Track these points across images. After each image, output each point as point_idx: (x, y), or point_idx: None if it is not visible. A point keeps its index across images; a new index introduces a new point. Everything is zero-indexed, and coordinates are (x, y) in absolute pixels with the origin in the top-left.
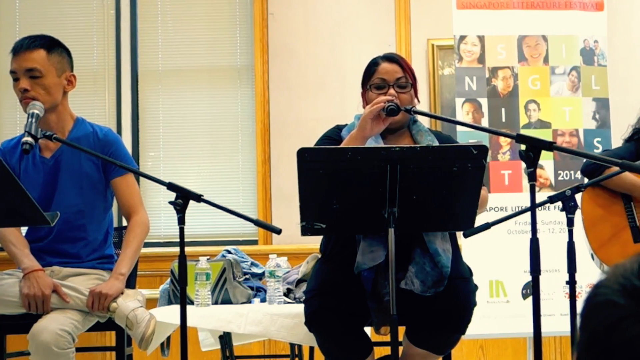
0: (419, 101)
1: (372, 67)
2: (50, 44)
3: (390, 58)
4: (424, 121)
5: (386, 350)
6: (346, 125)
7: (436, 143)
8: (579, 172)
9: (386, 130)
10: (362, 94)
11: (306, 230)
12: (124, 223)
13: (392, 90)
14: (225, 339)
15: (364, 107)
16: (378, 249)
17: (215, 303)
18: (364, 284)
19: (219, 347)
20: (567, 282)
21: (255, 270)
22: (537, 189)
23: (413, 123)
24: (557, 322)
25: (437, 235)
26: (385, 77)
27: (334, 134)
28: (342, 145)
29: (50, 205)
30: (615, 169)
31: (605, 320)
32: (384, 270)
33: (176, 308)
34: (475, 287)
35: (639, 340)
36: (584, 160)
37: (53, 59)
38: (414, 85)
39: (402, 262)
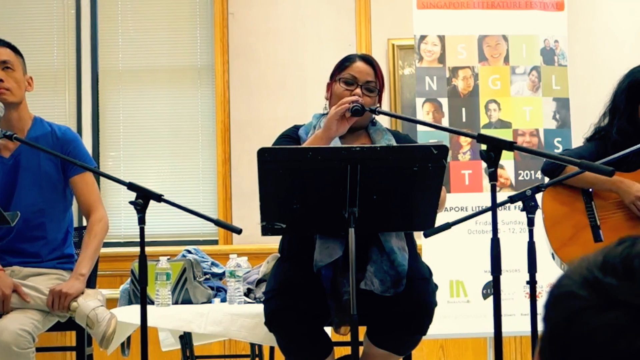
0: (380, 107)
1: (346, 62)
2: (13, 46)
3: (366, 59)
4: (383, 121)
5: (346, 350)
6: (304, 125)
7: (394, 142)
8: (539, 172)
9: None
10: (328, 85)
11: (266, 230)
12: (85, 223)
13: (358, 90)
14: (186, 338)
15: (326, 98)
16: (334, 246)
17: (176, 303)
18: (324, 282)
19: (179, 347)
20: (528, 282)
21: (215, 270)
22: (497, 188)
23: (372, 124)
24: (518, 322)
25: (392, 233)
26: (357, 75)
27: (292, 133)
28: (305, 145)
29: (9, 205)
30: (576, 168)
31: (565, 311)
32: (342, 269)
33: (136, 308)
34: (436, 287)
35: (598, 331)
36: (545, 159)
37: (18, 58)
38: (380, 92)
39: (360, 261)
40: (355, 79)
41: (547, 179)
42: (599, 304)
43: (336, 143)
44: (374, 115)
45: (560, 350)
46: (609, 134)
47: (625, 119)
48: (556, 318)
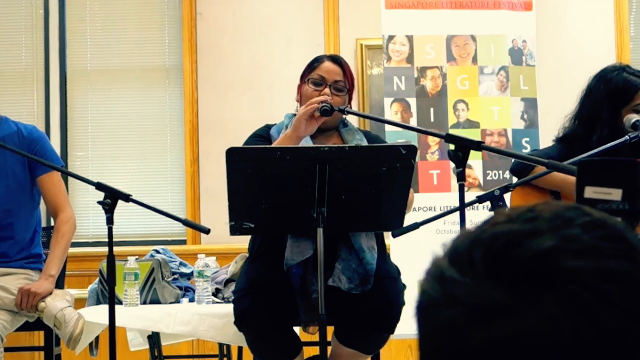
0: (350, 107)
1: (314, 63)
2: None
3: (335, 59)
4: (352, 121)
5: (315, 351)
6: (275, 124)
7: (365, 142)
8: (507, 172)
9: (316, 130)
10: (298, 87)
11: (235, 230)
12: (53, 223)
13: (327, 90)
14: (154, 338)
15: (297, 100)
16: (306, 245)
17: (144, 303)
18: (293, 281)
19: (147, 346)
20: None
21: (183, 270)
22: (465, 188)
23: (343, 125)
24: None
25: (361, 232)
26: (326, 75)
27: (264, 132)
28: (275, 145)
29: None
30: (544, 168)
31: (417, 306)
32: (312, 268)
33: (105, 308)
34: (404, 287)
35: (437, 330)
36: (514, 159)
37: None
38: (350, 91)
39: (329, 259)
40: (324, 79)
41: (515, 179)
42: (440, 301)
43: (308, 143)
44: (344, 116)
45: (419, 346)
46: (581, 140)
47: (607, 128)
48: (414, 315)
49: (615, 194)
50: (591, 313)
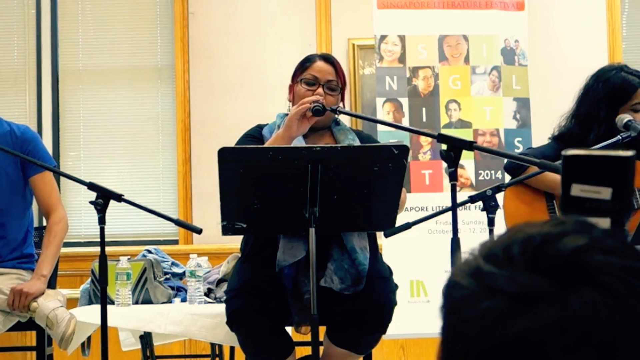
0: (343, 106)
1: (306, 63)
2: None
3: (327, 58)
4: (345, 121)
5: (307, 350)
6: (267, 124)
7: (357, 142)
8: (499, 172)
9: (308, 129)
10: (290, 87)
11: (227, 230)
12: (45, 223)
13: (320, 90)
14: (146, 338)
15: (289, 100)
16: (298, 246)
17: (136, 303)
18: (285, 281)
19: (139, 346)
20: None
21: (175, 270)
22: (457, 188)
23: (336, 124)
24: None
25: (353, 232)
26: (318, 75)
27: (256, 133)
28: (267, 145)
29: None
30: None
31: (451, 301)
32: (304, 268)
33: (97, 308)
34: (396, 287)
35: (477, 319)
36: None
37: None
38: (342, 90)
39: (322, 260)
40: (317, 79)
41: (508, 178)
42: (479, 293)
43: (300, 143)
44: (336, 115)
45: (449, 338)
46: (578, 138)
47: (604, 127)
48: (445, 308)
49: (605, 193)
50: (622, 300)
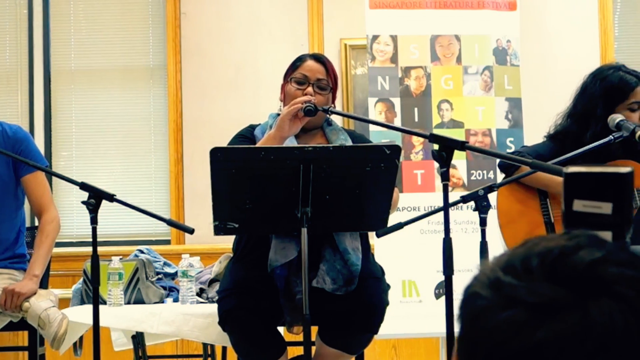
0: (335, 106)
1: (297, 62)
2: None
3: (317, 58)
4: (337, 121)
5: (299, 350)
6: (259, 124)
7: (349, 142)
8: (491, 172)
9: (300, 129)
10: (282, 86)
11: (219, 230)
12: (37, 223)
13: (310, 89)
14: (138, 338)
15: (281, 99)
16: (290, 246)
17: (128, 303)
18: (277, 282)
19: (131, 346)
20: None
21: (167, 270)
22: (450, 188)
23: (328, 124)
24: None
25: (346, 233)
26: (308, 74)
27: (248, 133)
28: (259, 145)
29: None
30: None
31: (471, 311)
32: (296, 269)
33: (89, 308)
34: (388, 287)
35: (498, 329)
36: None
37: None
38: (333, 90)
39: (314, 260)
40: (307, 78)
41: (500, 178)
42: (499, 303)
43: (292, 142)
44: (328, 115)
45: (468, 348)
46: (573, 135)
47: (601, 125)
48: (464, 317)
49: (606, 208)
50: (638, 310)
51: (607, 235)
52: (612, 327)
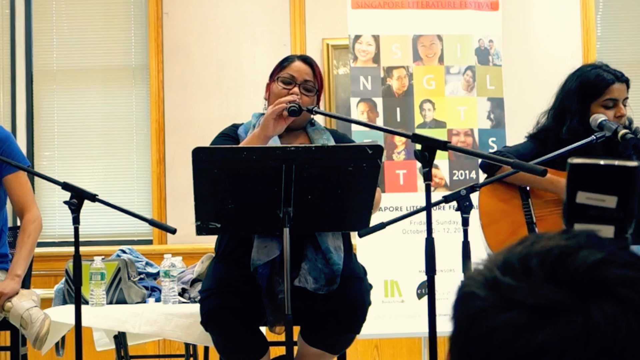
0: (319, 107)
1: (284, 62)
2: None
3: (305, 59)
4: (319, 120)
5: (281, 351)
6: (242, 124)
7: (332, 142)
8: (474, 172)
9: (284, 130)
10: (267, 85)
11: (201, 230)
12: (19, 223)
13: (296, 89)
14: (120, 338)
15: (265, 99)
16: (272, 245)
17: (110, 303)
18: (259, 281)
19: (113, 346)
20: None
21: (150, 270)
22: (432, 188)
23: (311, 125)
24: None
25: (328, 233)
26: (295, 74)
27: (231, 132)
28: (242, 145)
29: None
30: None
31: (466, 311)
32: (279, 268)
33: (71, 308)
34: (370, 287)
35: (497, 331)
36: None
37: None
38: (319, 92)
39: (296, 259)
40: (294, 78)
41: (482, 178)
42: (498, 304)
43: (275, 142)
44: (312, 115)
45: (464, 349)
46: (552, 133)
47: (576, 119)
48: (459, 318)
49: (610, 201)
50: (638, 311)
51: (609, 229)
52: (615, 330)
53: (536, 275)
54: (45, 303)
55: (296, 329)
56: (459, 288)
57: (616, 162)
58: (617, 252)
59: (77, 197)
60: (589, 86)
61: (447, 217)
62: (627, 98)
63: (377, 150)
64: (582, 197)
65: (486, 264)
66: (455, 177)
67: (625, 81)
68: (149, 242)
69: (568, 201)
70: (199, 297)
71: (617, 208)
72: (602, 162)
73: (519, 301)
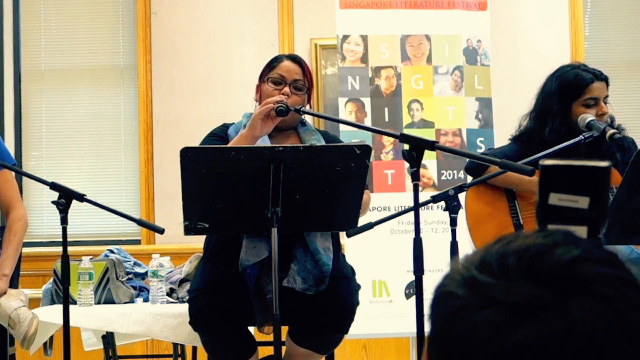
0: (310, 107)
1: (274, 62)
2: None
3: (294, 59)
4: (308, 120)
5: (270, 351)
6: (233, 123)
7: (322, 142)
8: (462, 172)
9: (274, 129)
10: (257, 86)
11: (189, 230)
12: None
13: (286, 89)
14: (108, 338)
15: (256, 99)
16: (261, 245)
17: (98, 303)
18: (248, 281)
19: (102, 346)
20: None
21: (138, 269)
22: (420, 188)
23: (302, 125)
24: None
25: (317, 233)
26: (285, 74)
27: (221, 132)
28: (231, 145)
29: None
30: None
31: (444, 311)
32: (267, 268)
33: (59, 308)
34: (358, 287)
35: (475, 330)
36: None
37: None
38: (309, 91)
39: (285, 260)
40: (283, 78)
41: (470, 178)
42: (476, 302)
43: (265, 143)
44: (302, 115)
45: (442, 348)
46: (536, 135)
47: (558, 120)
48: (437, 318)
49: (582, 202)
50: (618, 309)
51: (582, 230)
52: (593, 327)
53: (513, 273)
54: (33, 303)
55: (284, 329)
56: (436, 287)
57: (587, 163)
58: (593, 250)
59: (65, 197)
60: (568, 86)
61: (435, 217)
62: (607, 96)
63: (365, 150)
64: (555, 199)
65: (464, 263)
66: (443, 177)
67: (605, 79)
68: (137, 242)
69: (540, 203)
70: (187, 297)
71: (589, 208)
72: (573, 163)
73: (496, 299)
